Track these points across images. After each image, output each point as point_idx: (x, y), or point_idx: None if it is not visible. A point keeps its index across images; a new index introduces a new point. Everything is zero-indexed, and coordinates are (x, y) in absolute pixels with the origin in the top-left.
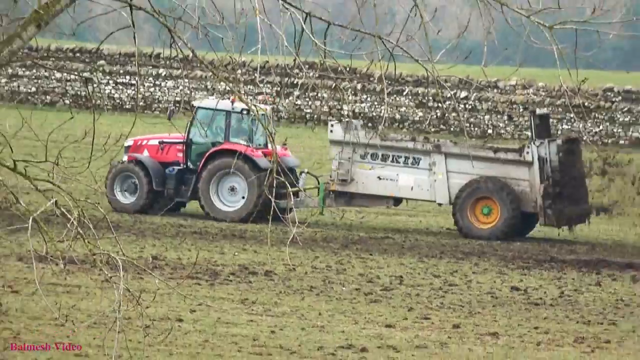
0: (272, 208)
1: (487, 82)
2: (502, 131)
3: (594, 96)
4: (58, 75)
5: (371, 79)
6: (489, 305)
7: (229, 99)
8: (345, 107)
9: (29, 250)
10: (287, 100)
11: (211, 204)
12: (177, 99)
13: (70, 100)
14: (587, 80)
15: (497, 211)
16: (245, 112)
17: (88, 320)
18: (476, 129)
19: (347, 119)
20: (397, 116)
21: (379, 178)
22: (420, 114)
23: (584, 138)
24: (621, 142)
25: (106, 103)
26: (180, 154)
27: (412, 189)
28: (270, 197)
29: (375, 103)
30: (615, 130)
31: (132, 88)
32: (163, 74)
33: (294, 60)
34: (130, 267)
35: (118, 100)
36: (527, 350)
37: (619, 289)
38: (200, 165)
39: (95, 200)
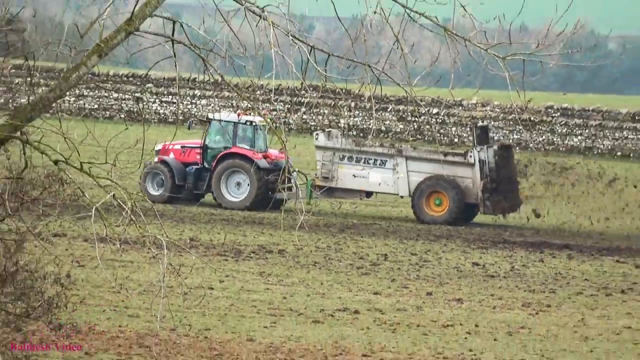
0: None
1: (454, 101)
2: (466, 140)
3: (538, 112)
4: (115, 95)
5: (362, 98)
6: (455, 277)
7: (236, 112)
8: (341, 120)
9: (92, 233)
10: (295, 115)
11: (221, 195)
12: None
13: (125, 115)
14: (532, 100)
15: (446, 202)
16: (248, 123)
17: (139, 288)
18: (445, 138)
19: (328, 130)
20: (383, 128)
21: (354, 176)
22: (401, 126)
23: (530, 145)
24: (560, 149)
25: (153, 117)
26: (198, 156)
27: (379, 184)
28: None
29: (365, 117)
30: (554, 139)
31: (174, 105)
32: (198, 94)
33: (301, 83)
34: (172, 246)
35: (162, 115)
36: (485, 312)
37: (558, 264)
38: (214, 165)
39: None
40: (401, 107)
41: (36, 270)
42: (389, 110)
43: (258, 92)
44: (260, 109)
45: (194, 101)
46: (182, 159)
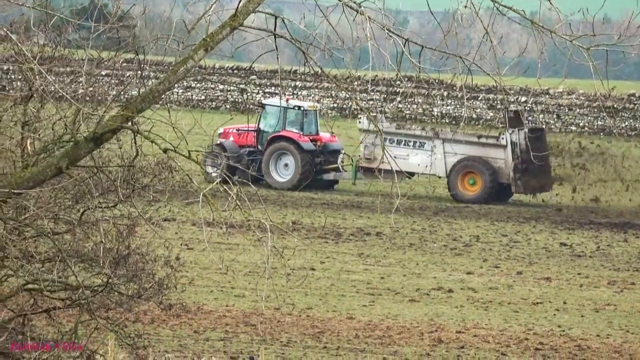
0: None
1: (541, 90)
2: (553, 127)
3: (621, 100)
4: (221, 86)
5: (454, 88)
6: (543, 257)
7: (285, 98)
8: (435, 109)
9: (200, 217)
10: (391, 105)
11: (270, 176)
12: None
13: (230, 106)
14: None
15: (480, 182)
16: (296, 108)
17: (244, 270)
18: (533, 125)
19: (374, 114)
20: (474, 116)
21: (395, 157)
22: (491, 114)
23: (614, 131)
24: None
25: (257, 107)
26: (254, 139)
27: (419, 165)
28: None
29: (457, 106)
30: (637, 125)
31: (277, 96)
32: (299, 86)
33: (396, 74)
34: (275, 230)
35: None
36: (572, 290)
37: None
38: (265, 147)
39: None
40: (491, 96)
41: (147, 253)
42: (479, 99)
43: (355, 82)
44: (358, 98)
45: (295, 92)
46: (241, 142)
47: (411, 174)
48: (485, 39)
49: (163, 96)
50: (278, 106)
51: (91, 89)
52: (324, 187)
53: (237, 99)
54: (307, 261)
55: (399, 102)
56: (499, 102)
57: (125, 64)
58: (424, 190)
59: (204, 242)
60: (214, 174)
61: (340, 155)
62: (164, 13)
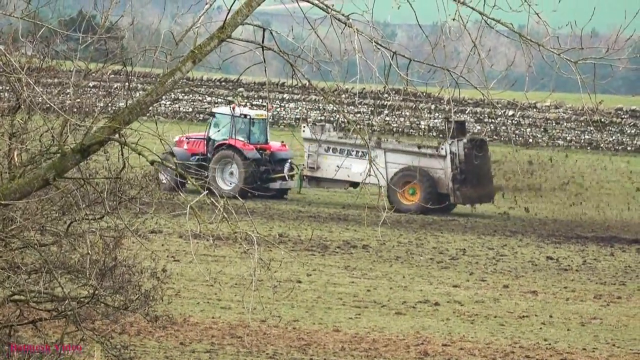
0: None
1: (528, 103)
2: (540, 140)
3: (608, 114)
4: (208, 98)
5: (441, 101)
6: (530, 270)
7: (231, 106)
8: (422, 122)
9: (187, 230)
10: (378, 117)
11: (216, 183)
12: (297, 116)
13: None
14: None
15: (419, 192)
16: (242, 116)
17: (231, 282)
18: (520, 138)
19: (318, 124)
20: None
21: (338, 166)
22: (479, 127)
23: (601, 145)
24: (629, 148)
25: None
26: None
27: (361, 174)
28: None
29: (445, 119)
30: (624, 139)
31: (264, 109)
32: (287, 98)
33: (384, 87)
34: (262, 242)
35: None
36: (558, 304)
37: (628, 258)
38: (212, 155)
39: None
40: (479, 109)
41: (134, 265)
42: (467, 112)
43: (343, 95)
44: (345, 111)
45: (282, 104)
46: (194, 149)
47: (355, 184)
48: (473, 52)
49: (150, 108)
50: (226, 115)
51: (79, 100)
52: (274, 196)
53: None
54: (294, 273)
55: (387, 115)
56: (486, 115)
57: (112, 76)
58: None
59: (190, 254)
60: (164, 180)
61: (287, 164)
62: (152, 25)
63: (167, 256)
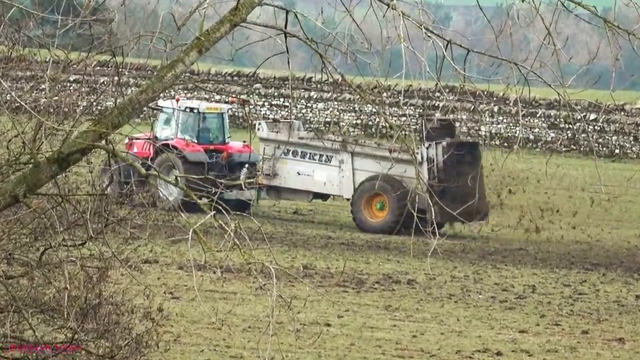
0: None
1: (615, 105)
2: (629, 151)
3: None
4: (217, 97)
5: (507, 101)
6: (615, 312)
7: (176, 98)
8: (482, 128)
9: (189, 259)
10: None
11: (158, 193)
12: (327, 119)
13: (229, 120)
14: None
15: (388, 206)
16: (188, 110)
17: (243, 324)
18: (604, 149)
19: (283, 120)
20: (531, 137)
21: (298, 173)
22: (552, 134)
23: None
24: None
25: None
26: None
27: (324, 184)
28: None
29: (511, 124)
30: None
31: (286, 109)
32: (314, 97)
33: (436, 84)
34: (282, 275)
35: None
36: None
37: None
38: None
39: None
40: (552, 112)
41: (123, 302)
42: (538, 115)
43: (385, 94)
44: (387, 113)
45: (309, 104)
46: (143, 153)
47: (319, 196)
48: (546, 41)
49: (145, 108)
50: (172, 109)
51: (56, 98)
52: (234, 208)
53: (237, 113)
54: (322, 315)
55: (439, 119)
56: (562, 119)
57: (99, 68)
58: (467, 229)
59: (193, 290)
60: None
61: (244, 170)
62: (148, 5)
63: (165, 292)
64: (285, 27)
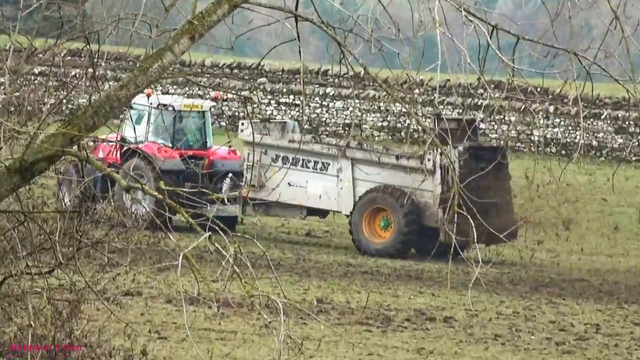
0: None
1: None
2: None
3: None
4: (213, 93)
5: (565, 100)
6: None
7: (147, 93)
8: (535, 132)
9: (179, 291)
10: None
11: (124, 206)
12: (347, 121)
13: (227, 122)
14: None
15: (394, 224)
16: (162, 107)
17: None
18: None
19: (274, 121)
20: (594, 143)
21: (289, 184)
22: (620, 140)
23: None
24: None
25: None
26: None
27: (320, 197)
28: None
29: (570, 128)
30: None
31: (297, 109)
32: (331, 94)
33: (478, 79)
34: (292, 311)
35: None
36: None
37: None
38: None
39: (253, 235)
40: (620, 114)
41: (99, 344)
42: (603, 117)
43: (416, 90)
44: (418, 113)
45: (324, 103)
46: (111, 158)
47: (316, 212)
48: (613, 26)
49: (126, 107)
50: (144, 106)
51: (17, 94)
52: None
53: (237, 112)
54: (340, 358)
55: (481, 120)
56: (631, 122)
57: (69, 58)
58: (517, 255)
59: (183, 328)
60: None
61: (227, 181)
62: None
63: (149, 331)
64: (296, 9)
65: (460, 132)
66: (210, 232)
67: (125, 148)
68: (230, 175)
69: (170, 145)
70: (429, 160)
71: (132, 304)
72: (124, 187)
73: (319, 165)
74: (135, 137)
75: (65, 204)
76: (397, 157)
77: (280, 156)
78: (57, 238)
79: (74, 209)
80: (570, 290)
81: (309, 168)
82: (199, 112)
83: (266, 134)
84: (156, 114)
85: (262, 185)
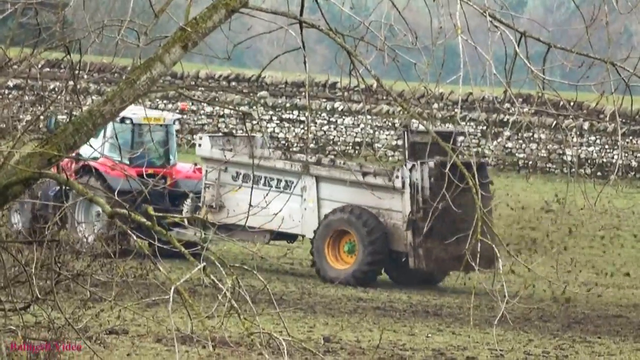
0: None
1: None
2: None
3: None
4: (208, 109)
5: (601, 115)
6: None
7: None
8: (568, 151)
9: (170, 329)
10: (494, 142)
11: (76, 230)
12: (357, 139)
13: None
14: None
15: (358, 248)
16: (119, 119)
17: None
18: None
19: (239, 134)
20: (634, 163)
21: (250, 205)
22: None
23: None
24: None
25: (269, 143)
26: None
27: (283, 219)
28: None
29: (606, 146)
30: None
31: (302, 126)
32: (340, 109)
33: (505, 91)
34: (296, 350)
35: (283, 141)
36: None
37: None
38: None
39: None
40: None
41: None
42: None
43: (435, 104)
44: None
45: (332, 119)
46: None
47: (290, 237)
48: None
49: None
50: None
51: None
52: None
53: (235, 129)
54: None
55: (508, 137)
56: None
57: (48, 70)
58: (547, 289)
59: None
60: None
61: (187, 202)
62: None
63: None
64: (301, 14)
65: (432, 145)
66: (204, 263)
67: (80, 164)
68: (191, 195)
69: (127, 162)
70: (396, 177)
71: (118, 344)
72: (108, 214)
73: (282, 184)
74: (93, 152)
75: (20, 230)
76: (364, 174)
77: (241, 174)
78: (33, 270)
79: (52, 238)
80: (607, 327)
81: (271, 186)
82: (161, 125)
83: (229, 150)
84: (114, 127)
85: (221, 206)
